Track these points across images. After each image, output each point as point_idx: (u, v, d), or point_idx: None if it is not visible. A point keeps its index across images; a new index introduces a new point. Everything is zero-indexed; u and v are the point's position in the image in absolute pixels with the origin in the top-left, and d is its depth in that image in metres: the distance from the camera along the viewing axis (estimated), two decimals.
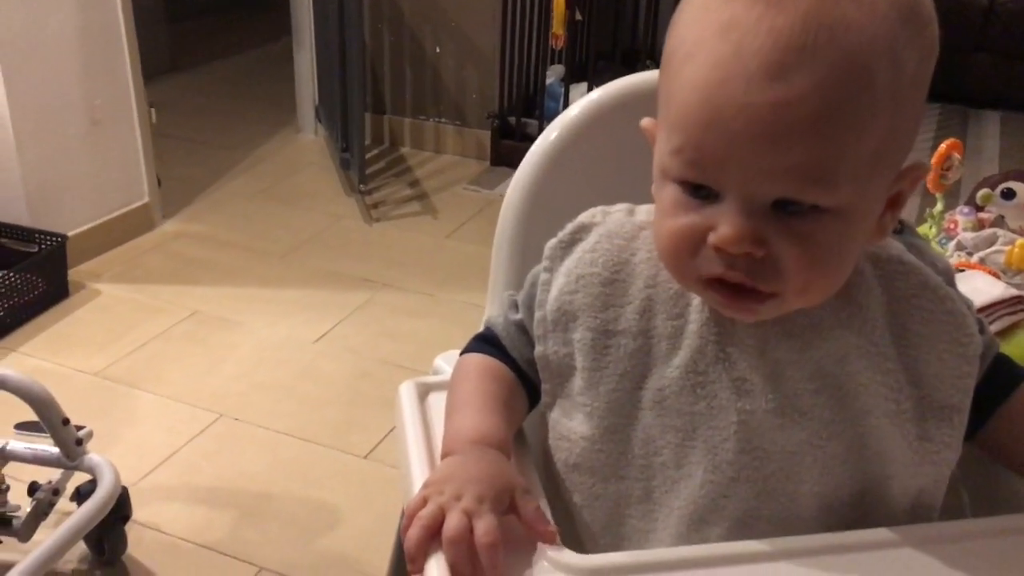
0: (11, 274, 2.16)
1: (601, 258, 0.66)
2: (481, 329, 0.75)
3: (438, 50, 3.21)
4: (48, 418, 1.44)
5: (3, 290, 2.13)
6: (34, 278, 2.22)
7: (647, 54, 3.31)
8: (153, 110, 2.64)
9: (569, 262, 0.67)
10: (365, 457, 1.80)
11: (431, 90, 3.27)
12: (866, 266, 0.63)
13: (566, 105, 3.07)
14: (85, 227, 2.45)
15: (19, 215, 2.32)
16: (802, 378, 0.62)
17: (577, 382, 0.66)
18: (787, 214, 0.55)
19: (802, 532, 0.62)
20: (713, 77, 0.53)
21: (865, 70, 0.52)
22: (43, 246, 2.27)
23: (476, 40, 3.14)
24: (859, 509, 0.64)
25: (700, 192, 0.57)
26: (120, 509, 1.49)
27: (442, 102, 3.27)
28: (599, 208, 0.69)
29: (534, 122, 3.10)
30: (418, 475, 0.62)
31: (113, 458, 1.50)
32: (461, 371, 0.71)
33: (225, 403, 1.94)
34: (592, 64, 3.26)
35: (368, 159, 3.04)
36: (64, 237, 2.30)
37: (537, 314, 0.68)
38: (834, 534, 0.61)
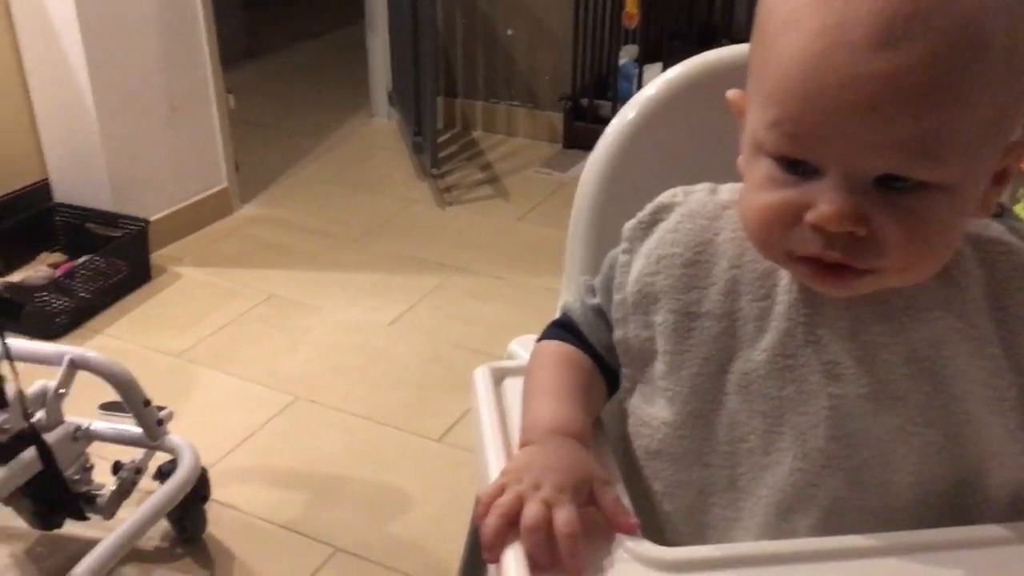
0: (97, 258, 2.22)
1: (683, 238, 0.64)
2: (558, 315, 0.73)
3: (510, 32, 3.18)
4: (131, 399, 1.48)
5: (89, 273, 2.19)
6: (118, 262, 2.28)
7: (723, 32, 3.23)
8: (231, 96, 2.67)
9: (649, 243, 0.65)
10: (438, 440, 1.80)
11: (503, 73, 3.25)
12: (966, 246, 0.59)
13: (640, 86, 3.02)
14: (166, 212, 2.50)
15: (104, 200, 2.38)
16: (897, 362, 0.59)
17: (659, 366, 0.64)
18: (891, 190, 0.52)
19: (895, 523, 0.59)
20: (815, 46, 0.51)
21: (979, 39, 0.49)
22: (126, 231, 2.33)
23: (548, 21, 3.11)
24: (955, 501, 0.61)
25: (797, 168, 0.54)
26: (200, 489, 1.52)
27: (514, 85, 3.25)
28: (679, 188, 0.67)
29: (607, 103, 3.05)
30: (494, 462, 0.61)
31: (192, 438, 1.53)
32: (538, 358, 0.70)
33: (300, 385, 1.96)
34: (667, 44, 3.19)
35: (440, 143, 3.03)
36: (146, 222, 2.36)
37: (616, 297, 0.66)
38: (931, 531, 0.58)
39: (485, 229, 2.66)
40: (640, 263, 0.65)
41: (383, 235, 2.63)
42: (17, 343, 1.38)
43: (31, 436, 1.28)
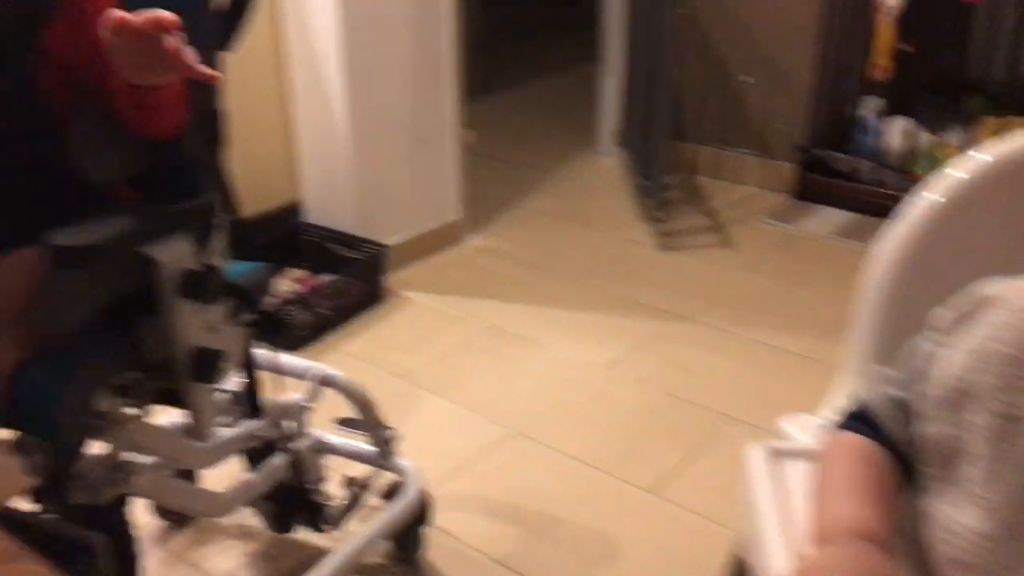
0: (340, 278, 2.37)
1: (1010, 335, 0.59)
2: (848, 402, 0.70)
3: (746, 78, 3.13)
4: (369, 419, 1.56)
5: (332, 291, 2.34)
6: (356, 282, 2.42)
7: (978, 88, 3.03)
8: (471, 132, 2.78)
9: (968, 337, 0.61)
10: (648, 491, 1.78)
11: (734, 119, 3.20)
12: None
13: (882, 140, 2.88)
14: (402, 238, 2.64)
15: (348, 224, 2.53)
16: None
17: (971, 471, 0.60)
18: None
19: None
20: None
21: None
22: (366, 254, 2.47)
23: (786, 68, 3.03)
24: None
25: None
26: (422, 512, 1.58)
27: (745, 131, 3.19)
28: (1003, 279, 0.62)
29: (844, 156, 2.93)
30: (775, 548, 0.59)
31: (412, 460, 1.59)
32: (836, 451, 0.67)
33: (518, 419, 2.00)
34: (914, 97, 3.03)
35: (664, 186, 3.02)
36: (385, 247, 2.49)
37: (922, 390, 0.62)
38: None
39: (707, 277, 2.62)
40: (957, 358, 0.61)
41: (603, 274, 2.65)
42: (270, 356, 1.49)
43: (284, 445, 1.37)
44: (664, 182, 2.94)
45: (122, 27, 0.87)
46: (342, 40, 2.33)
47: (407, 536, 1.58)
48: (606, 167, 3.40)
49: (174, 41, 0.88)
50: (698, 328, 2.35)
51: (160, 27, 0.87)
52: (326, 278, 2.38)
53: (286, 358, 1.59)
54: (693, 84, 3.23)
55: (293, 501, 1.51)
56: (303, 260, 2.58)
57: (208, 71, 0.92)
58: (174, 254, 1.02)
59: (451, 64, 2.63)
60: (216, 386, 1.17)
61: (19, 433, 1.03)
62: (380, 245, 2.49)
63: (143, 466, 1.18)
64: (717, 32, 3.12)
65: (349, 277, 2.40)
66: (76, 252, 0.90)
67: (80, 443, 1.05)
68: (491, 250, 2.81)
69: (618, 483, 1.80)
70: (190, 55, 0.89)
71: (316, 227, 2.58)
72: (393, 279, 2.57)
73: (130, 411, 1.17)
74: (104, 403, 1.06)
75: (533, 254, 2.77)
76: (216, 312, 1.11)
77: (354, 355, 2.25)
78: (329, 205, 2.58)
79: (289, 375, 1.53)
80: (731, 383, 2.12)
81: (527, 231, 2.92)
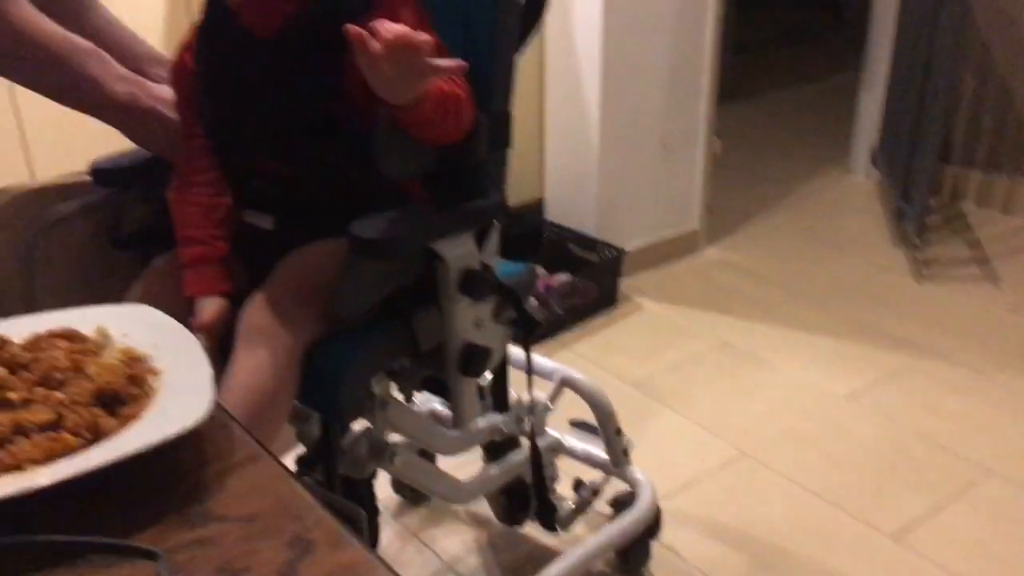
0: (576, 278, 2.39)
1: None
2: None
3: None
4: (606, 426, 1.55)
5: (567, 292, 2.36)
6: (591, 284, 2.43)
7: None
8: (717, 140, 2.72)
9: None
10: (892, 538, 1.67)
11: (1011, 143, 2.94)
12: None
13: None
14: (639, 244, 2.62)
15: (588, 225, 2.55)
16: None
17: None
18: None
19: None
20: None
21: None
22: (603, 256, 2.47)
23: None
24: None
25: None
26: (651, 526, 1.56)
27: (1022, 155, 2.92)
28: None
29: None
30: None
31: (640, 470, 1.57)
32: None
33: (749, 442, 1.93)
34: None
35: (925, 210, 2.82)
36: (622, 251, 2.48)
37: None
38: None
39: (968, 314, 2.42)
40: None
41: (847, 299, 2.51)
42: (519, 353, 1.51)
43: (530, 442, 1.39)
44: (926, 206, 2.75)
45: (362, 48, 0.87)
46: (602, 43, 2.34)
47: (635, 549, 1.56)
48: (857, 185, 3.23)
49: (422, 62, 0.87)
50: (954, 368, 2.18)
51: (402, 47, 0.87)
52: (562, 277, 2.41)
53: (533, 357, 1.62)
54: (968, 104, 3.00)
55: (526, 497, 1.54)
56: (541, 258, 2.62)
57: (453, 63, 0.91)
58: (458, 252, 1.06)
59: (708, 70, 2.57)
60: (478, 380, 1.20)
61: (298, 403, 1.11)
62: (618, 249, 2.48)
63: (400, 446, 1.23)
64: (1002, 50, 2.88)
65: (585, 278, 2.42)
66: (375, 244, 0.95)
67: (352, 419, 1.11)
68: (729, 263, 2.73)
69: (857, 524, 1.70)
70: (437, 64, 0.88)
71: (556, 226, 2.61)
72: (627, 284, 2.56)
73: (396, 394, 1.23)
74: (378, 385, 1.11)
75: (773, 271, 2.67)
76: (485, 309, 1.14)
77: (585, 357, 2.26)
78: (571, 205, 2.60)
79: (534, 374, 1.56)
80: (990, 432, 1.95)
81: (768, 247, 2.82)
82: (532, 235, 2.57)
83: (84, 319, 0.70)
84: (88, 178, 1.20)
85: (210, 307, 1.07)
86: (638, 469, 1.59)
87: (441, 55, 0.94)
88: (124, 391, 0.62)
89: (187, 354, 0.67)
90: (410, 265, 1.06)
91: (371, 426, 1.18)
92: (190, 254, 1.11)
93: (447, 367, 1.11)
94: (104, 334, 0.69)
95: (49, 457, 0.57)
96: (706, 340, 2.32)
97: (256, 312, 1.02)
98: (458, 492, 1.39)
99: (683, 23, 2.47)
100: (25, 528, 0.52)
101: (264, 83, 1.06)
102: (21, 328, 0.70)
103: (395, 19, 0.93)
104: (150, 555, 0.51)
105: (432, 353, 1.13)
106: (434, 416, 1.51)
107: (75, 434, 0.58)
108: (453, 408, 1.18)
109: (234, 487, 0.59)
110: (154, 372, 0.65)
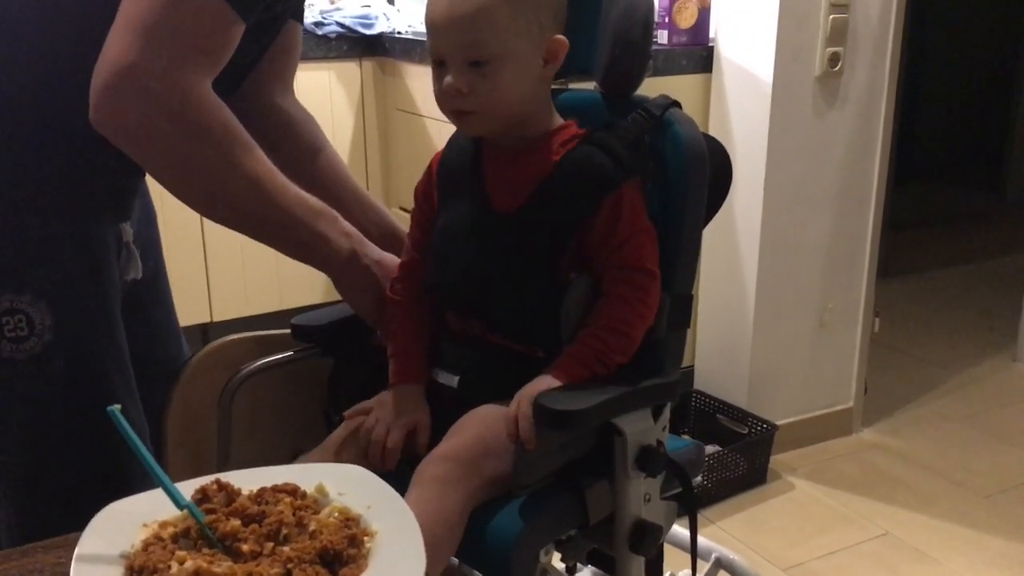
0: (724, 450, 2.34)
1: None
2: None
3: None
4: None
5: (715, 464, 2.32)
6: (740, 459, 2.37)
7: None
8: (877, 319, 2.67)
9: None
10: None
11: None
12: None
13: None
14: (790, 420, 2.55)
15: (737, 397, 2.51)
16: None
17: None
18: None
19: None
20: None
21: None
22: (754, 430, 2.42)
23: None
24: None
25: None
26: None
27: None
28: None
29: None
30: None
31: None
32: None
33: None
34: None
35: None
36: (774, 426, 2.43)
37: None
38: None
39: None
40: None
41: (1017, 498, 2.35)
42: (677, 530, 1.48)
43: None
44: None
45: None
46: (762, 219, 2.38)
47: None
48: None
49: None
50: None
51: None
52: (711, 448, 2.36)
53: (685, 532, 1.58)
54: None
55: None
56: (688, 427, 2.59)
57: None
58: (638, 427, 1.07)
59: (869, 247, 2.56)
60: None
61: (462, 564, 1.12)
62: (769, 424, 2.43)
63: None
64: None
65: (734, 451, 2.36)
66: (562, 416, 0.98)
67: None
68: (886, 448, 2.62)
69: None
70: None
71: (705, 395, 2.59)
72: (776, 460, 2.49)
73: (559, 565, 1.23)
74: (545, 555, 1.11)
75: (934, 459, 2.54)
76: (655, 485, 1.14)
77: (731, 534, 2.19)
78: (721, 376, 2.58)
79: (686, 550, 1.52)
80: None
81: (928, 433, 2.69)
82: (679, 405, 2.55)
83: (303, 475, 0.75)
84: (287, 332, 1.29)
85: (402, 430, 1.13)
86: None
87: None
88: (344, 551, 0.65)
89: (399, 517, 0.70)
90: (588, 437, 1.08)
91: None
92: (399, 346, 1.18)
93: (616, 543, 1.11)
94: (323, 492, 0.74)
95: None
96: (865, 529, 2.21)
97: (435, 462, 1.05)
98: None
99: (845, 200, 2.48)
100: None
101: (494, 253, 1.13)
102: (244, 481, 0.75)
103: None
104: None
105: (599, 526, 1.13)
106: None
107: None
108: None
109: None
110: (369, 534, 0.68)
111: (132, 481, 1.10)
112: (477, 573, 1.16)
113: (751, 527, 2.23)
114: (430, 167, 1.24)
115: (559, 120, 1.17)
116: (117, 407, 0.68)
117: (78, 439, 1.10)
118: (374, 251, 1.19)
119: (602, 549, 1.16)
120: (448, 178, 1.21)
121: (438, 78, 1.10)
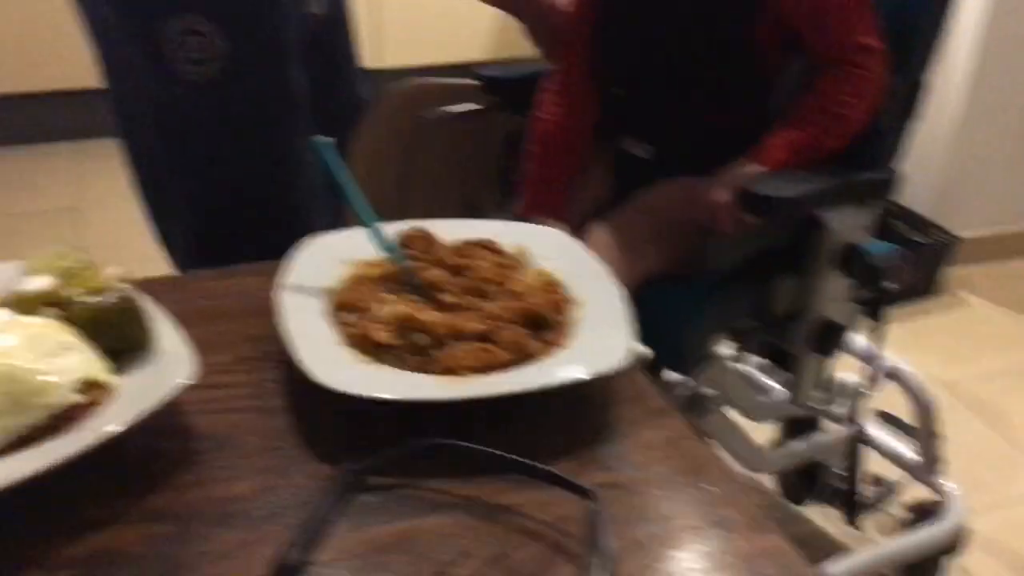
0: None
1: None
2: None
3: None
4: (926, 427, 1.44)
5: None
6: (913, 269, 2.24)
7: None
8: None
9: None
10: None
11: None
12: None
13: None
14: (975, 233, 2.38)
15: (921, 203, 2.34)
16: None
17: None
18: None
19: None
20: None
21: None
22: (933, 240, 2.27)
23: None
24: None
25: None
26: (953, 543, 1.44)
27: None
28: None
29: None
30: None
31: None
32: None
33: None
34: None
35: None
36: (956, 238, 2.27)
37: None
38: None
39: None
40: None
41: None
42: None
43: (850, 428, 1.32)
44: None
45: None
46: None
47: (929, 562, 1.46)
48: None
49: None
50: None
51: None
52: None
53: (860, 338, 1.53)
54: None
55: (814, 478, 1.47)
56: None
57: None
58: (843, 223, 0.99)
59: None
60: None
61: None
62: (950, 235, 2.27)
63: (716, 401, 1.20)
64: None
65: (908, 261, 2.23)
66: (768, 201, 0.91)
67: (686, 369, 1.09)
68: None
69: None
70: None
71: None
72: (953, 275, 2.35)
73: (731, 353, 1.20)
74: (718, 341, 1.08)
75: None
76: (847, 286, 1.07)
77: (892, 345, 2.11)
78: (909, 182, 2.39)
79: (859, 357, 1.47)
80: None
81: None
82: None
83: (505, 233, 0.72)
84: (472, 83, 1.23)
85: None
86: (951, 482, 1.47)
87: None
88: (550, 316, 0.62)
89: (604, 290, 0.66)
90: (786, 228, 1.01)
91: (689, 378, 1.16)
92: (533, 173, 1.12)
93: (796, 340, 1.06)
94: (523, 253, 0.70)
95: (481, 368, 0.58)
96: None
97: (607, 229, 1.02)
98: (760, 461, 1.35)
99: None
100: (456, 433, 0.54)
101: (682, 18, 1.03)
102: (443, 231, 0.72)
103: None
104: (583, 492, 0.51)
105: (780, 321, 1.08)
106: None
107: (504, 350, 0.59)
108: (792, 381, 1.13)
109: (646, 438, 0.58)
110: (573, 302, 0.65)
111: (307, 217, 1.12)
112: (645, 349, 1.15)
113: (912, 339, 2.14)
114: None
115: None
116: (323, 139, 0.65)
117: (253, 169, 1.10)
118: None
119: (780, 345, 1.12)
120: None
121: None
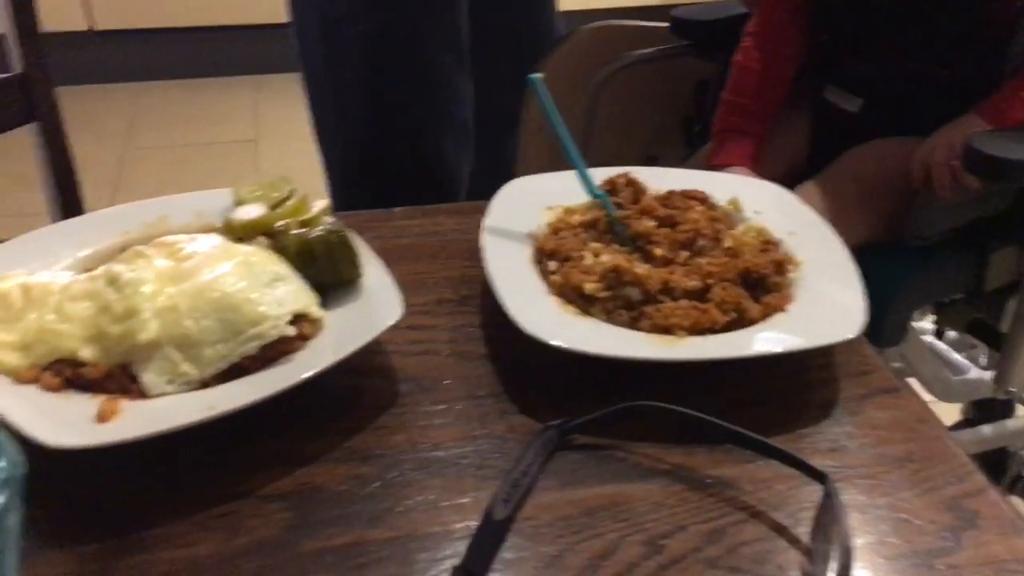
0: None
1: None
2: None
3: None
4: None
5: None
6: None
7: None
8: None
9: None
10: None
11: None
12: None
13: None
14: None
15: None
16: None
17: None
18: None
19: None
20: None
21: None
22: None
23: None
24: None
25: None
26: None
27: None
28: None
29: None
30: None
31: None
32: None
33: None
34: None
35: None
36: None
37: None
38: None
39: None
40: None
41: None
42: None
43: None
44: None
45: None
46: None
47: None
48: None
49: None
50: None
51: None
52: None
53: None
54: None
55: (997, 466, 1.37)
56: None
57: None
58: None
59: None
60: None
61: None
62: None
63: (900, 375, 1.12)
64: None
65: None
66: (999, 163, 0.82)
67: (883, 345, 1.02)
68: None
69: None
70: None
71: None
72: None
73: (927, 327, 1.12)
74: (920, 316, 1.00)
75: None
76: None
77: None
78: None
79: None
80: None
81: None
82: None
83: (716, 185, 0.67)
84: (664, 25, 1.17)
85: None
86: None
87: None
88: (770, 277, 0.58)
89: (828, 251, 0.61)
90: (1007, 194, 0.92)
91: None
92: (727, 122, 1.05)
93: (1013, 316, 0.97)
94: (736, 206, 0.66)
95: (695, 328, 0.54)
96: None
97: (811, 195, 0.95)
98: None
99: None
100: (662, 395, 0.51)
101: None
102: (649, 178, 0.68)
103: None
104: (817, 475, 0.47)
105: (991, 295, 0.99)
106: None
107: (720, 311, 0.55)
108: (1000, 360, 1.03)
109: (876, 419, 0.53)
110: (793, 262, 0.60)
111: (455, 161, 1.11)
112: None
113: None
114: None
115: None
116: (538, 75, 0.62)
117: (409, 106, 1.08)
118: None
119: (987, 321, 1.03)
120: None
121: None
